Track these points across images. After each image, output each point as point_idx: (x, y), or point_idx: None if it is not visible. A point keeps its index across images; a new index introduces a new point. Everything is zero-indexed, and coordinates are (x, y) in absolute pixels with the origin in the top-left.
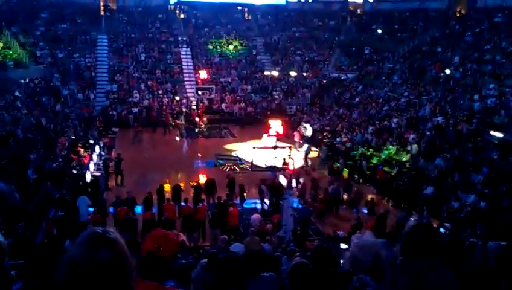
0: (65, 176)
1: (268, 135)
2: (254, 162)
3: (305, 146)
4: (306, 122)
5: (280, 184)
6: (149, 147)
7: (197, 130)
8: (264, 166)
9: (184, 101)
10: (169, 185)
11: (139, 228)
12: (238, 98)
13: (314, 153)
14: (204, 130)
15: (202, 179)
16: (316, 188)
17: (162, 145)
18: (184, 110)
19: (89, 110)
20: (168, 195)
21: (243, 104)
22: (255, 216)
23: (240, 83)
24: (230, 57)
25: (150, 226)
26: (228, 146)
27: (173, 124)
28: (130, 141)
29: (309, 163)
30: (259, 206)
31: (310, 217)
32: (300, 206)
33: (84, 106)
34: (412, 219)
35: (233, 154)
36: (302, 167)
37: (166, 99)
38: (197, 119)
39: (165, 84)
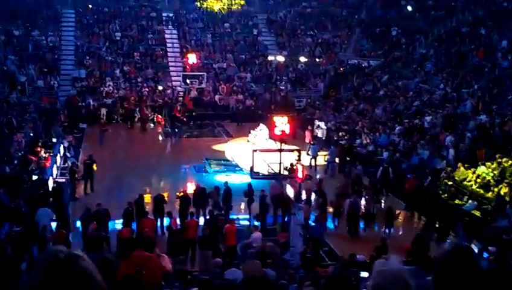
0: (22, 183)
1: (256, 130)
2: (255, 169)
3: (313, 148)
4: (319, 120)
5: (287, 196)
6: (125, 147)
7: (184, 127)
8: (267, 173)
9: (169, 91)
10: (149, 196)
11: (114, 247)
12: (234, 88)
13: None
14: (191, 126)
15: (190, 188)
16: (323, 194)
17: (140, 145)
18: (169, 102)
19: (51, 101)
20: (148, 207)
21: (240, 96)
22: (256, 235)
23: (238, 69)
24: (217, 13)
25: (126, 246)
26: (222, 147)
27: (155, 119)
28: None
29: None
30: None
31: (323, 236)
32: (312, 223)
33: (46, 96)
34: (448, 241)
35: (228, 158)
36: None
37: (147, 89)
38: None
39: (145, 70)
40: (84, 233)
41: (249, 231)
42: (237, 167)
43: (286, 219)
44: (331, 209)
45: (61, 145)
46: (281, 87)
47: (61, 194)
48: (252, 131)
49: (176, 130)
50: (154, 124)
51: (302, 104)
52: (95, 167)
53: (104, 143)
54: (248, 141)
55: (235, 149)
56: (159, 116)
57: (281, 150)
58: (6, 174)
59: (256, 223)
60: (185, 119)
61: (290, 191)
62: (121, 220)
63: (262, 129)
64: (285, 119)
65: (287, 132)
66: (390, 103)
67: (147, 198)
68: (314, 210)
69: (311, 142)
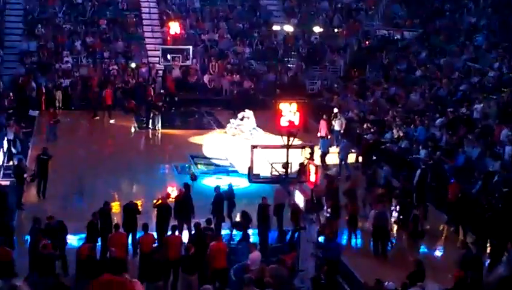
0: None
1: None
2: (254, 170)
3: (323, 142)
4: (338, 108)
5: (295, 205)
6: (87, 142)
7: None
8: (270, 176)
9: (144, 70)
10: (118, 204)
11: (73, 269)
12: (229, 66)
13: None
14: (173, 115)
15: (171, 193)
16: (334, 194)
17: (107, 139)
18: (144, 84)
19: None
20: (117, 219)
21: (236, 77)
22: (255, 255)
23: (233, 42)
24: None
25: (88, 268)
26: (212, 142)
27: (126, 106)
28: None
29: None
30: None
31: (340, 257)
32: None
33: None
34: (502, 264)
35: (220, 156)
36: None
37: (115, 67)
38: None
39: (114, 42)
40: (33, 251)
41: (245, 250)
42: (231, 167)
43: (294, 234)
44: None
45: (5, 138)
46: (289, 66)
47: (4, 200)
48: (232, 120)
49: (152, 120)
50: (125, 112)
51: (316, 87)
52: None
53: (59, 138)
54: (225, 133)
55: (214, 143)
56: (132, 101)
57: (288, 146)
58: None
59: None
60: (163, 105)
61: (299, 199)
62: (82, 235)
63: (248, 117)
64: (294, 106)
65: (296, 122)
66: (430, 86)
67: (115, 207)
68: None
69: (323, 136)
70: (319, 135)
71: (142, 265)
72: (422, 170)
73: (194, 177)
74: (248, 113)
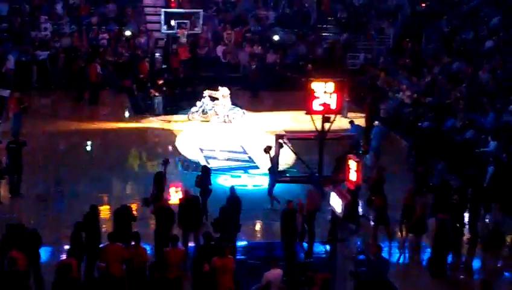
0: None
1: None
2: (279, 167)
3: (354, 127)
4: (387, 87)
5: (331, 213)
6: (68, 131)
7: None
8: (300, 175)
9: (142, 40)
10: (107, 208)
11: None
12: (248, 35)
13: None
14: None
15: (174, 196)
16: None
17: (94, 126)
18: (142, 57)
19: None
20: (105, 227)
21: (258, 48)
22: (275, 273)
23: (254, 5)
24: None
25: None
26: (226, 131)
27: (119, 84)
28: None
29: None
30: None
31: (386, 275)
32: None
33: None
34: None
35: (236, 149)
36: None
37: (106, 36)
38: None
39: (104, 5)
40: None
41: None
42: (250, 162)
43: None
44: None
45: None
46: (324, 35)
47: None
48: (198, 103)
49: (151, 103)
50: (118, 92)
51: (359, 61)
52: None
53: (35, 126)
54: (189, 120)
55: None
56: (126, 79)
57: (322, 137)
58: None
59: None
60: (164, 84)
61: (336, 204)
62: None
63: (224, 95)
64: (330, 86)
65: (333, 106)
66: (503, 61)
67: (104, 211)
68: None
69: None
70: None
71: (134, 284)
72: (496, 167)
73: (166, 162)
74: (223, 90)
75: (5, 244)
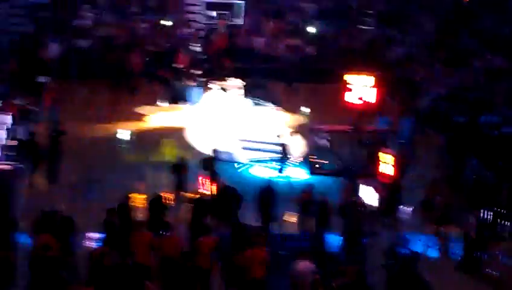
0: None
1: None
2: (315, 160)
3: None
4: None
5: (363, 206)
6: (107, 118)
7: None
8: (335, 168)
9: (182, 30)
10: (143, 197)
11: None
12: (287, 26)
13: None
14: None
15: (208, 187)
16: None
17: (131, 116)
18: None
19: None
20: (140, 215)
21: (296, 41)
22: (304, 265)
23: None
24: None
25: (104, 276)
26: (261, 123)
27: (158, 74)
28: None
29: None
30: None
31: (416, 268)
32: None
33: None
34: None
35: (273, 140)
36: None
37: (145, 25)
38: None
39: None
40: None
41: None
42: (286, 154)
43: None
44: None
45: (8, 113)
46: (364, 28)
47: (6, 186)
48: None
49: (187, 91)
50: (159, 81)
51: (398, 55)
52: None
53: (72, 114)
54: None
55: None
56: (165, 69)
57: (357, 130)
58: None
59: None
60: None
61: (371, 198)
62: (95, 235)
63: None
64: (370, 79)
65: (372, 100)
66: None
67: (138, 200)
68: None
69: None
70: None
71: (165, 273)
72: None
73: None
74: (236, 82)
75: (37, 230)
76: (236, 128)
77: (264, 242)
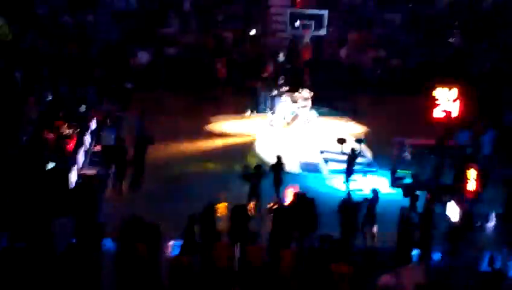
0: (29, 175)
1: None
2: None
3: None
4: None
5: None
6: (192, 127)
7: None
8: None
9: (268, 40)
10: (225, 205)
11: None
12: (372, 38)
13: None
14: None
15: (289, 196)
16: None
17: (216, 124)
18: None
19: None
20: (221, 225)
21: (381, 52)
22: (386, 280)
23: (380, 7)
24: None
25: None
26: (346, 135)
27: (247, 85)
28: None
29: None
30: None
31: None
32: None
33: (71, 40)
34: None
35: (360, 152)
36: None
37: (231, 35)
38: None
39: (231, 4)
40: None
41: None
42: (370, 165)
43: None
44: None
45: (94, 118)
46: (450, 40)
47: (92, 193)
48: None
49: (273, 101)
50: (243, 90)
51: (484, 69)
52: None
53: (154, 122)
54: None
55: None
56: (251, 79)
57: (442, 145)
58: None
59: None
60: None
61: (453, 213)
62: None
63: (306, 98)
64: (453, 92)
65: (455, 113)
66: None
67: (222, 208)
68: None
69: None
70: None
71: (247, 282)
72: None
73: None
74: (304, 93)
75: (123, 236)
76: (309, 139)
77: (348, 256)
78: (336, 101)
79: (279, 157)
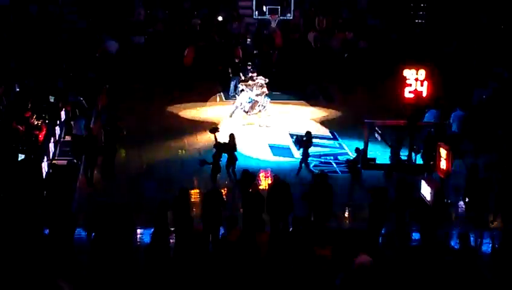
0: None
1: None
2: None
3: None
4: None
5: (420, 201)
6: (163, 113)
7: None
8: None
9: (233, 25)
10: (197, 191)
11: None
12: (340, 21)
13: None
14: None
15: (263, 182)
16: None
17: (186, 109)
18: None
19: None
20: (195, 210)
21: (350, 35)
22: (363, 259)
23: None
24: None
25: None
26: (317, 122)
27: (217, 70)
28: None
29: None
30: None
31: (475, 265)
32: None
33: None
34: None
35: (326, 135)
36: None
37: (198, 21)
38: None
39: None
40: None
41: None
42: (341, 149)
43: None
44: None
45: (63, 109)
46: (418, 21)
47: (63, 184)
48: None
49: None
50: (211, 76)
51: (452, 48)
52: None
53: (124, 110)
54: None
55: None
56: (219, 65)
57: (412, 125)
58: None
59: None
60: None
61: (426, 193)
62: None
63: (261, 84)
64: (421, 73)
65: (425, 93)
66: None
67: (194, 195)
68: None
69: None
70: None
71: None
72: None
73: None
74: (259, 79)
75: (94, 225)
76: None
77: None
78: (305, 85)
79: (231, 136)
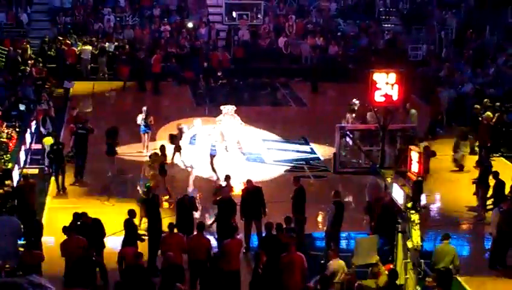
0: None
1: None
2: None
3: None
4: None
5: (391, 202)
6: (134, 119)
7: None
8: (359, 164)
9: (203, 31)
10: (167, 197)
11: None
12: (310, 26)
13: None
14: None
15: (235, 186)
16: None
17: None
18: (203, 48)
19: (20, 45)
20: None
21: (320, 40)
22: (335, 264)
23: None
24: None
25: (135, 278)
26: (286, 121)
27: (181, 76)
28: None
29: None
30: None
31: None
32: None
33: (11, 38)
34: None
35: (297, 139)
36: None
37: (168, 28)
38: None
39: None
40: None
41: (325, 258)
42: (312, 153)
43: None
44: None
45: (34, 116)
46: (386, 26)
47: (31, 193)
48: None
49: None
50: (179, 83)
51: (421, 53)
52: None
53: (99, 120)
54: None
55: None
56: (188, 71)
57: (384, 128)
58: None
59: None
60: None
61: (398, 195)
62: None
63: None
64: (392, 76)
65: (395, 97)
66: None
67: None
68: None
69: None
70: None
71: (194, 275)
72: None
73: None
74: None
75: (67, 231)
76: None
77: (296, 244)
78: (276, 89)
79: (180, 129)
